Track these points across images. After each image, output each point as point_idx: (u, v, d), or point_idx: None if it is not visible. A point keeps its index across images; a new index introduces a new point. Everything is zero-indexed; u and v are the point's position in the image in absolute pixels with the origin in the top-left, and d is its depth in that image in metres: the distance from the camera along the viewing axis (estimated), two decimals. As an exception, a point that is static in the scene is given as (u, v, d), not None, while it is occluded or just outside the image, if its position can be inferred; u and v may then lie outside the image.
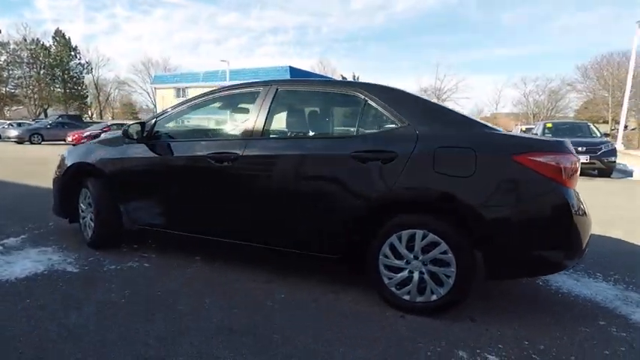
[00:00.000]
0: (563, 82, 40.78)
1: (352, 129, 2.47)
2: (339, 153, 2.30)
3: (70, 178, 3.29)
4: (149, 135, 2.91)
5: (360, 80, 31.78)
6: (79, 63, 47.75)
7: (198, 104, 2.98)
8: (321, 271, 2.82)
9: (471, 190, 2.04)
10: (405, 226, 2.17)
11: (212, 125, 3.54)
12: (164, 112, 3.04)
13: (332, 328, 2.07)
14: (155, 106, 43.57)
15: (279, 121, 2.72)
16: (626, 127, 24.22)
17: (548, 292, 2.65)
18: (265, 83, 2.72)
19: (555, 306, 2.43)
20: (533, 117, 44.73)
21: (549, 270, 2.19)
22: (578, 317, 2.27)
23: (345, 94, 2.56)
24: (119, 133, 3.14)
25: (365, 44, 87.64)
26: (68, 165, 3.27)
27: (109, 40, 75.61)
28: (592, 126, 11.41)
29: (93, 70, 49.11)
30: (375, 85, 2.47)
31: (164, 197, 2.90)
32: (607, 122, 36.37)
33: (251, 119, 2.62)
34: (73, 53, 47.04)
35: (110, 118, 48.81)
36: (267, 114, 2.59)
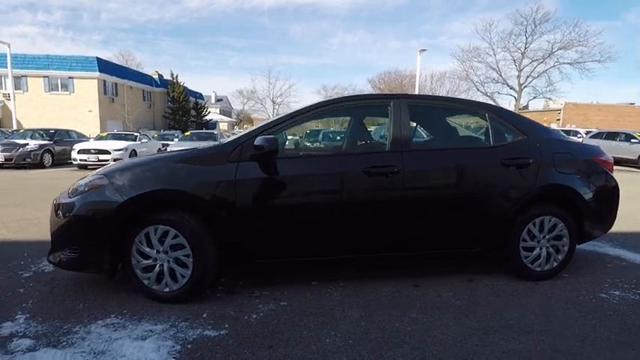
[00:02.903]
0: (355, 92, 50.06)
1: (483, 139, 2.92)
2: (492, 161, 2.74)
3: (129, 216, 2.34)
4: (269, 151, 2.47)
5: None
6: None
7: (313, 115, 2.74)
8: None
9: (578, 183, 2.87)
10: (538, 215, 2.83)
11: (330, 138, 3.18)
12: (268, 125, 2.60)
13: (527, 307, 2.49)
14: None
15: (420, 133, 2.85)
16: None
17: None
18: (393, 96, 2.80)
19: (576, 256, 3.60)
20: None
21: (594, 237, 3.23)
22: (602, 262, 3.43)
23: (475, 111, 3.01)
24: (207, 146, 2.54)
25: (156, 38, 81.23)
26: (127, 197, 2.31)
27: None
28: None
29: None
30: (493, 105, 3.01)
31: (303, 221, 2.52)
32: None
33: (395, 131, 2.67)
34: None
35: None
36: (409, 126, 2.71)
